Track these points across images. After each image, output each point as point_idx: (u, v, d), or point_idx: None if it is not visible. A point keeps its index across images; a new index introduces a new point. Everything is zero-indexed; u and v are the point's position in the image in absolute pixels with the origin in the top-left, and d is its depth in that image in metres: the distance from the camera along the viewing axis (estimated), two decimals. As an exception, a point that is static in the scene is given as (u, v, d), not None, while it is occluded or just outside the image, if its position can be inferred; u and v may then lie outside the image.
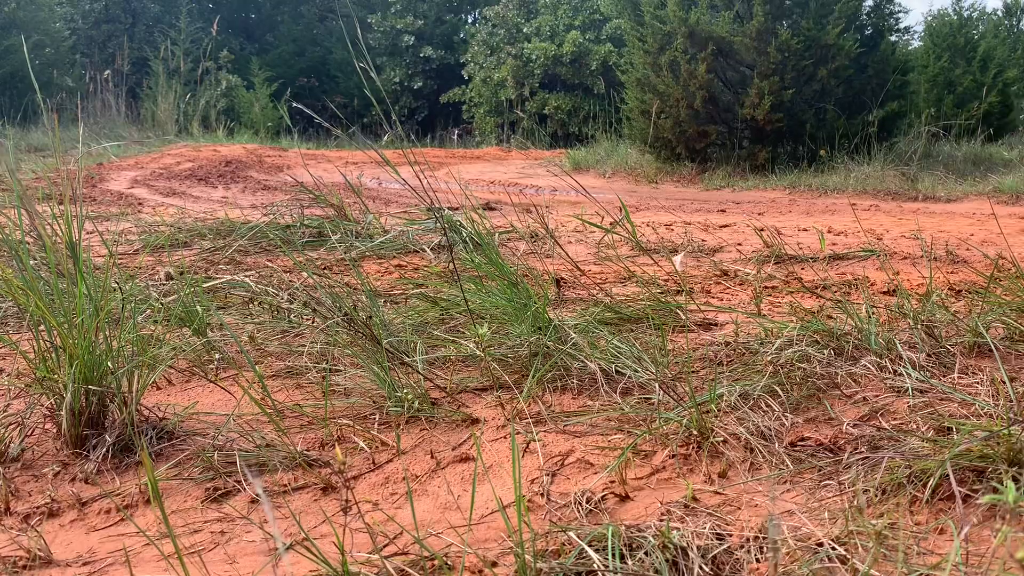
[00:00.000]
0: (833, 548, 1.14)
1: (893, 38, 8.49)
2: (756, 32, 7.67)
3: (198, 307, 2.21)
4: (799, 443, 1.51)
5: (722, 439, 1.51)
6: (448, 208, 3.34)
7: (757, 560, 1.14)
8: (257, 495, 1.43)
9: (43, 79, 13.78)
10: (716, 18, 8.06)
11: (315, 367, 2.02)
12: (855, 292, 2.71)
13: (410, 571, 1.14)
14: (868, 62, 7.98)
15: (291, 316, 2.35)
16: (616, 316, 2.27)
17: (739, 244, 3.83)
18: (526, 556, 1.11)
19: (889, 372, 1.79)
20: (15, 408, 1.77)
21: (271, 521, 1.36)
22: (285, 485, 1.49)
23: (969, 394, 1.65)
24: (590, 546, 1.14)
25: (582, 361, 1.87)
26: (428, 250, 3.43)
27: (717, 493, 1.37)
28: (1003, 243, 3.65)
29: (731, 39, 7.84)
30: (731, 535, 1.20)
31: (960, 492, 1.24)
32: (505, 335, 2.07)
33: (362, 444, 1.63)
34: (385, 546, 1.25)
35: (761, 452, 1.48)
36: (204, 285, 2.53)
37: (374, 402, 1.81)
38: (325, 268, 3.13)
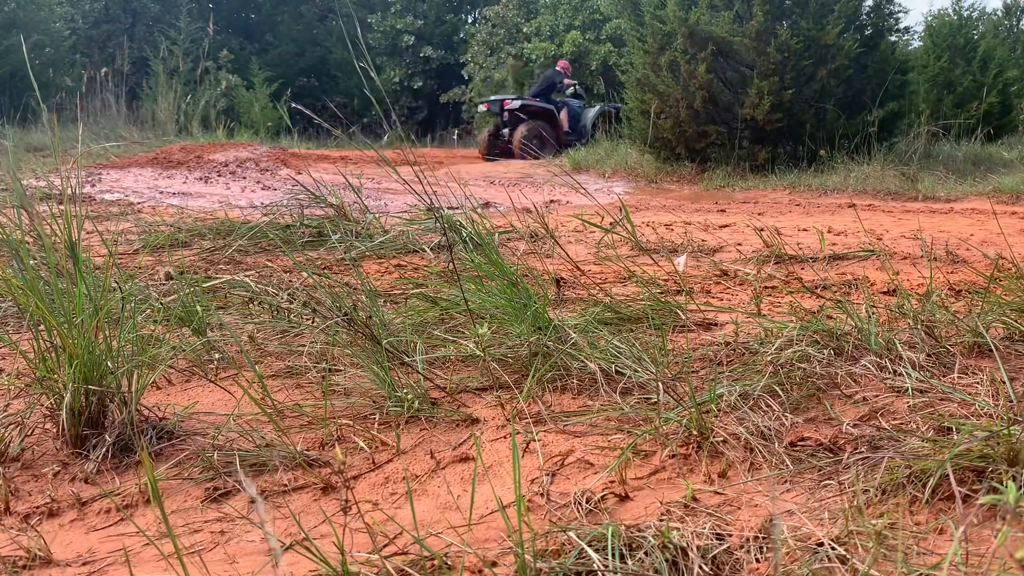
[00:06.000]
0: (833, 548, 1.14)
1: (893, 38, 8.50)
2: (756, 32, 7.67)
3: (198, 307, 2.21)
4: (799, 443, 1.51)
5: (722, 439, 1.51)
6: (448, 208, 3.34)
7: (757, 560, 1.14)
8: (254, 498, 1.43)
9: (43, 79, 13.79)
10: (716, 18, 8.06)
11: (315, 367, 2.02)
12: (855, 292, 2.71)
13: (410, 571, 1.14)
14: (868, 62, 7.98)
15: (291, 316, 2.35)
16: (616, 316, 2.27)
17: (739, 244, 3.83)
18: (526, 556, 1.11)
19: (889, 372, 1.79)
20: (15, 408, 1.77)
21: (267, 523, 1.36)
22: (285, 485, 1.49)
23: (969, 394, 1.65)
24: (590, 546, 1.14)
25: (582, 361, 1.87)
26: (428, 250, 3.43)
27: (717, 493, 1.37)
28: (1003, 243, 3.65)
29: (731, 39, 7.84)
30: (731, 535, 1.20)
31: (960, 492, 1.24)
32: (505, 335, 2.07)
33: (362, 444, 1.63)
34: (385, 546, 1.25)
35: (761, 452, 1.48)
36: (204, 285, 2.53)
37: (374, 402, 1.81)
38: (325, 268, 3.13)
